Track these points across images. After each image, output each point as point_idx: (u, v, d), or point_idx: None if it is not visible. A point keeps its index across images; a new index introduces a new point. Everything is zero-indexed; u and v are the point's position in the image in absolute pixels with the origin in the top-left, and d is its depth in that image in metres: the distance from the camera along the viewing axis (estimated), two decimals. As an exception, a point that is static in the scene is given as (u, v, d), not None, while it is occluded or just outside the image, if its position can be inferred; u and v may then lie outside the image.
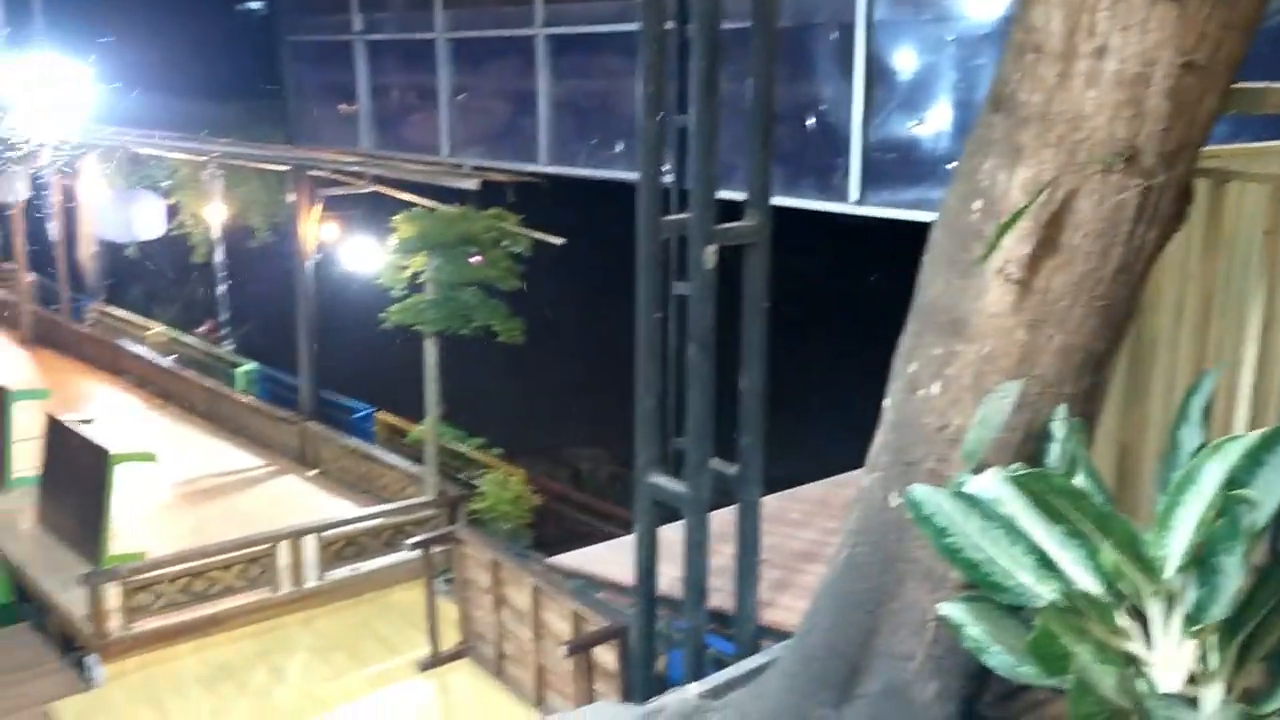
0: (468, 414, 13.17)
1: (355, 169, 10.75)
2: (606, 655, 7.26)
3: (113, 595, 8.78)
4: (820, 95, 6.98)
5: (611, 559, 7.27)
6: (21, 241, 16.97)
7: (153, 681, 8.66)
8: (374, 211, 12.15)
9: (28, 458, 11.34)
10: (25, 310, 17.38)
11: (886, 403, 2.83)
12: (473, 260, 10.09)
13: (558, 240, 10.57)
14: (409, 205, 10.58)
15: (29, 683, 8.98)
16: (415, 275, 10.13)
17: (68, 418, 10.83)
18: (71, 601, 9.12)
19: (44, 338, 17.13)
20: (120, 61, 14.46)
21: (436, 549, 9.08)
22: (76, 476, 10.28)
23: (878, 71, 6.52)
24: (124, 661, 8.74)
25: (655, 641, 6.42)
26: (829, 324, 16.06)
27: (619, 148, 8.50)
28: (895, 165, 6.51)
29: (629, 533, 7.87)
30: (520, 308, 10.35)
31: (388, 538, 10.08)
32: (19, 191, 14.41)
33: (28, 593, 10.01)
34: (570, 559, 7.69)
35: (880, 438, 2.85)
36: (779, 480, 7.27)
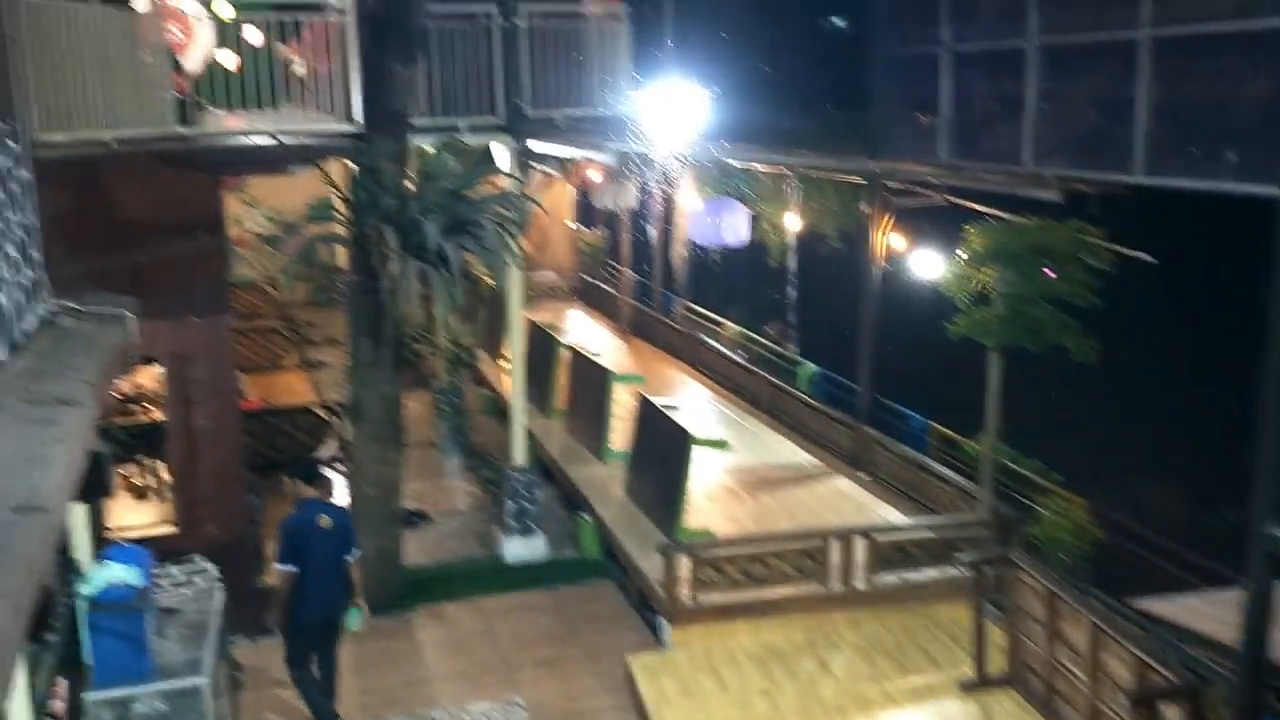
0: (1025, 432, 12.68)
1: (931, 180, 10.79)
2: (1173, 712, 6.64)
3: (683, 567, 9.66)
4: None
5: (1205, 611, 6.62)
6: (627, 244, 19.31)
7: (711, 652, 9.42)
8: (944, 221, 12.11)
9: (622, 434, 12.90)
10: (625, 304, 19.75)
11: None
12: (1046, 274, 9.68)
13: (1145, 256, 9.78)
14: (982, 216, 10.41)
15: (612, 633, 10.22)
16: (983, 287, 9.95)
17: (657, 401, 12.12)
18: (649, 567, 10.21)
19: (639, 329, 19.36)
20: (716, 77, 15.83)
21: (988, 570, 8.90)
22: (660, 454, 11.48)
23: None
24: (688, 629, 9.60)
25: (1260, 711, 5.74)
26: None
27: (1231, 157, 7.65)
28: None
29: (1205, 583, 7.12)
30: (1094, 325, 9.75)
31: (936, 551, 10.04)
32: (629, 200, 16.39)
33: (614, 553, 11.38)
34: (1156, 605, 7.12)
35: None
36: None
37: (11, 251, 5.25)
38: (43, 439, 4.03)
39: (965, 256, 10.01)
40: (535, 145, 11.18)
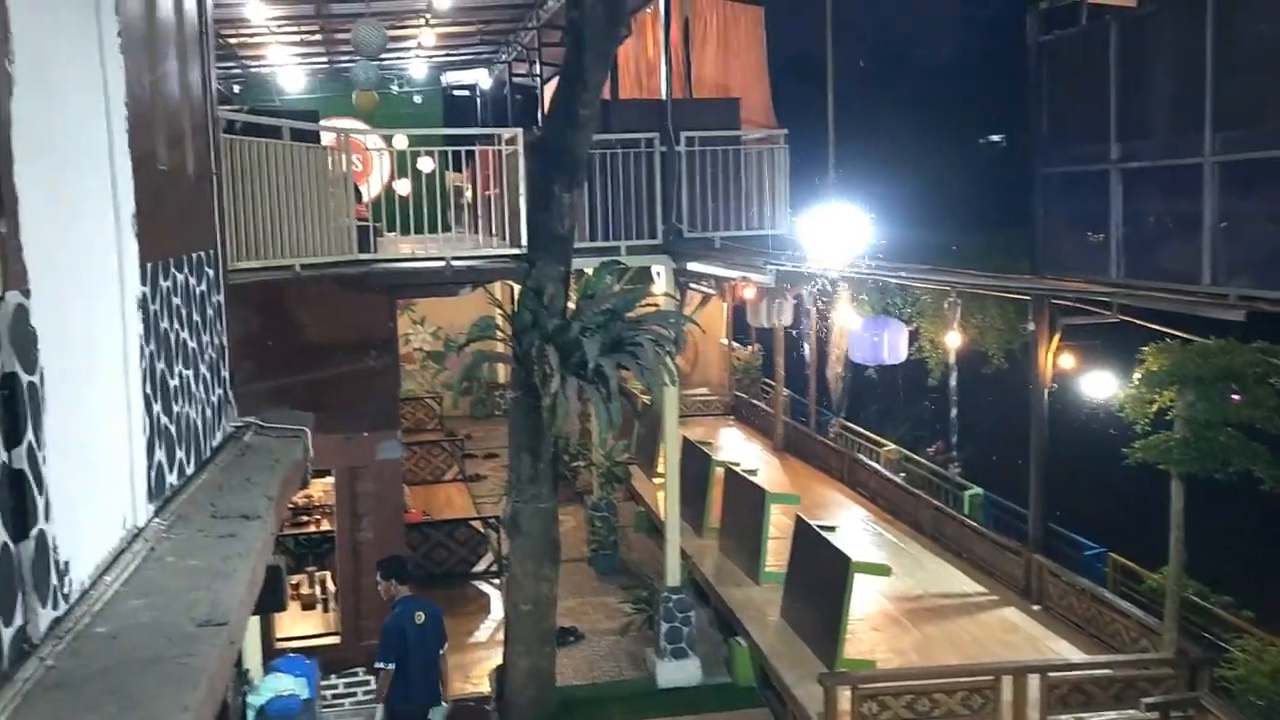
0: (1212, 565, 11.86)
1: (1102, 298, 10.41)
2: None
3: (844, 699, 9.26)
4: None
5: None
6: (781, 361, 19.25)
7: (873, 790, 8.94)
8: (1116, 341, 11.64)
9: (778, 555, 12.63)
10: (779, 421, 19.56)
11: None
12: (1232, 398, 9.15)
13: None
14: (1157, 335, 9.96)
15: (766, 764, 9.86)
16: (1163, 410, 9.46)
17: (814, 523, 11.84)
18: (807, 697, 9.84)
19: (792, 447, 19.08)
20: (877, 195, 15.86)
21: (1175, 714, 8.25)
22: (818, 578, 11.16)
23: None
24: (850, 766, 9.16)
25: None
26: None
27: None
28: None
29: None
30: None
31: (1117, 691, 9.36)
32: (785, 318, 16.37)
33: (770, 680, 11.03)
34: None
35: None
36: None
37: (204, 371, 5.58)
38: (225, 553, 4.19)
39: (1142, 378, 9.56)
40: (693, 265, 11.35)
